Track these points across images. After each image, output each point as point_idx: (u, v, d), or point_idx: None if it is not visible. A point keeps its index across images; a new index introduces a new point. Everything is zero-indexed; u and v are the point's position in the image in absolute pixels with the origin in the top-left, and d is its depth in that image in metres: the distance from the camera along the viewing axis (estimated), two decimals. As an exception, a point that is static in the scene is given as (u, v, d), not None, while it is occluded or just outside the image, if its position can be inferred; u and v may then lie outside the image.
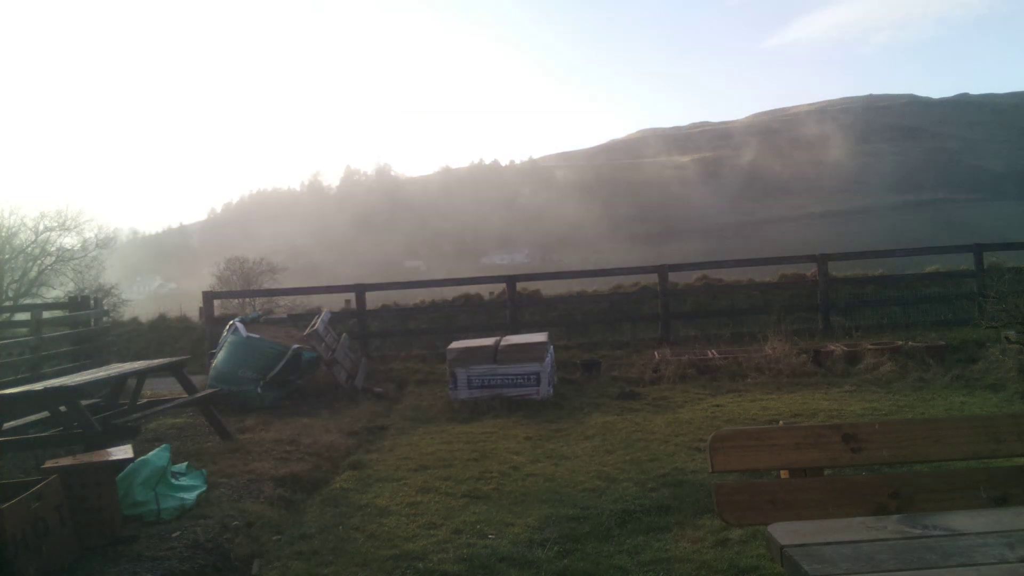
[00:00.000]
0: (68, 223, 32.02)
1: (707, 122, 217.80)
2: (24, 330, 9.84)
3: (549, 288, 14.95)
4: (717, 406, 7.95)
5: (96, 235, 32.38)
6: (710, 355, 10.18)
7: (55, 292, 29.56)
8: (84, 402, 6.28)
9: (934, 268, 14.03)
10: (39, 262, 31.33)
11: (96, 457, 4.70)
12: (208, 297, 12.51)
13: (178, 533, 4.59)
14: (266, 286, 23.25)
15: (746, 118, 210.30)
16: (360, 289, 12.42)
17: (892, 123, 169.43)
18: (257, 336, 9.56)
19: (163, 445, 5.52)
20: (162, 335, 15.17)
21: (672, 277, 12.62)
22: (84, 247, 31.73)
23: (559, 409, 8.30)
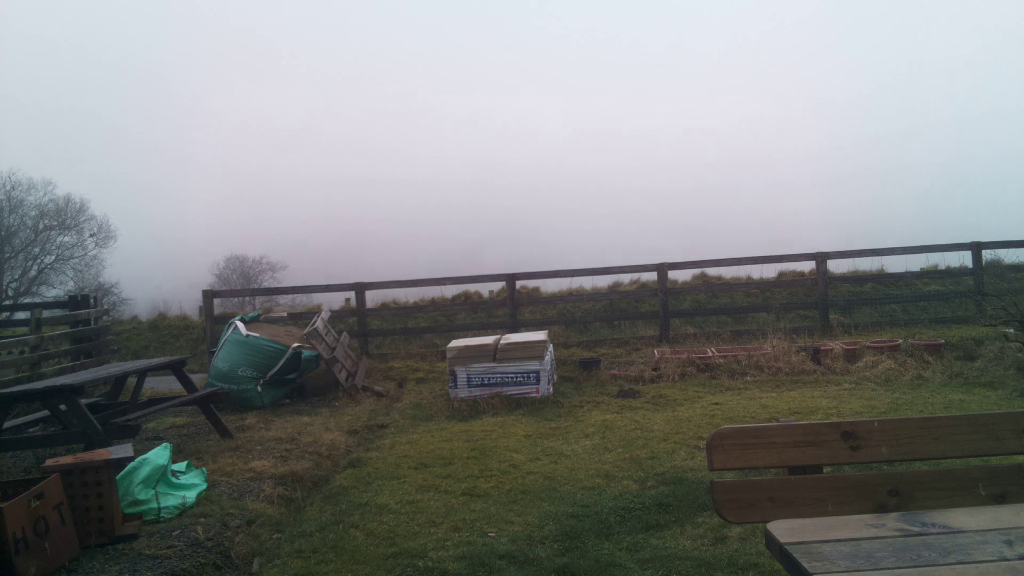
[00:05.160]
0: (68, 221, 32.10)
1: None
2: (24, 329, 9.84)
3: (548, 286, 14.97)
4: (716, 404, 7.96)
5: (96, 233, 32.46)
6: (709, 353, 10.18)
7: (55, 291, 29.59)
8: (84, 401, 6.28)
9: (933, 266, 14.05)
10: (39, 261, 31.39)
11: (96, 456, 4.70)
12: (208, 296, 12.51)
13: (178, 531, 4.60)
14: (266, 284, 23.27)
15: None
16: (360, 287, 12.44)
17: None
18: (257, 335, 9.56)
19: (163, 444, 5.52)
20: (162, 334, 15.16)
21: (671, 275, 12.68)
22: (83, 245, 31.79)
23: (558, 407, 8.31)
